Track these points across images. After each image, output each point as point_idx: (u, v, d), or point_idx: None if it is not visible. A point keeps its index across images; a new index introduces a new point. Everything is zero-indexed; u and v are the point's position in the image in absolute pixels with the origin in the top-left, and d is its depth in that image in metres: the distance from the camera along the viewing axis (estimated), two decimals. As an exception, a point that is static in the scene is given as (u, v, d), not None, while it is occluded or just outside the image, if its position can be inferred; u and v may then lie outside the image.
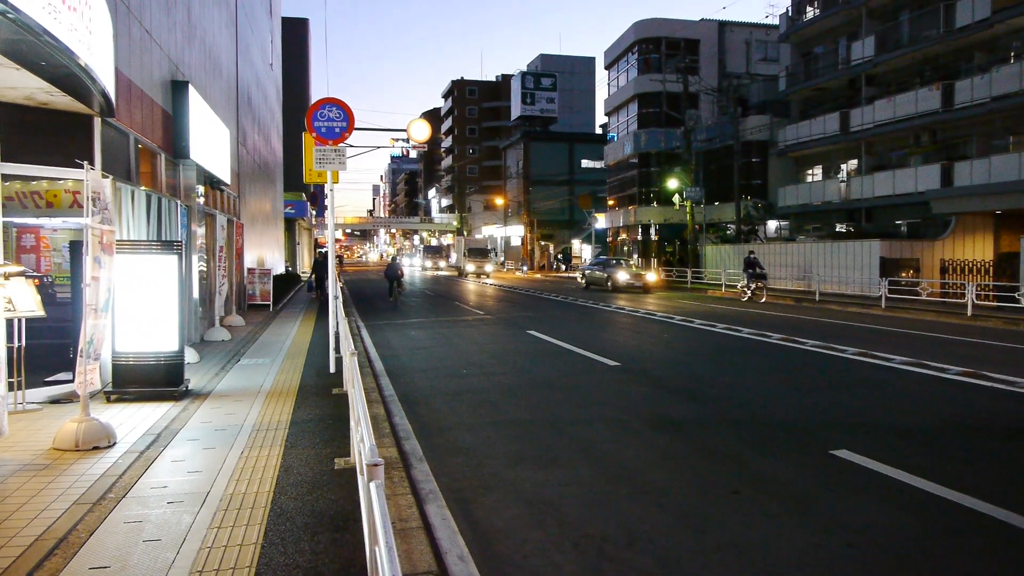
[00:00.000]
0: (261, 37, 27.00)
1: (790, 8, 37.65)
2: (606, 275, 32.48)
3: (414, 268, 70.78)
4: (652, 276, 33.32)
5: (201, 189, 13.76)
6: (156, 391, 8.07)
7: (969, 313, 19.36)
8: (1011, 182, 23.36)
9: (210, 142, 13.81)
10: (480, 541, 4.54)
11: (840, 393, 9.18)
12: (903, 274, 25.08)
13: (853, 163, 33.48)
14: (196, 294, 13.11)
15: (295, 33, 50.53)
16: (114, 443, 6.34)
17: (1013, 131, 25.91)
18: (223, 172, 15.33)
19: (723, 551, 4.39)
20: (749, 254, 26.98)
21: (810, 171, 37.18)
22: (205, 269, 14.51)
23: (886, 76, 31.26)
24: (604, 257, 41.52)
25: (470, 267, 52.14)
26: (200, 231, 13.98)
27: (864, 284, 25.88)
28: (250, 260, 22.02)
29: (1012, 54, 25.84)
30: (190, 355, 10.50)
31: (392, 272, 25.17)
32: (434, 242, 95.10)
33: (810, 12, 36.64)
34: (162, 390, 8.09)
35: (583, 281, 35.54)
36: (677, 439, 6.95)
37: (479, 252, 54.21)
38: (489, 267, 52.86)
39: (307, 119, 10.63)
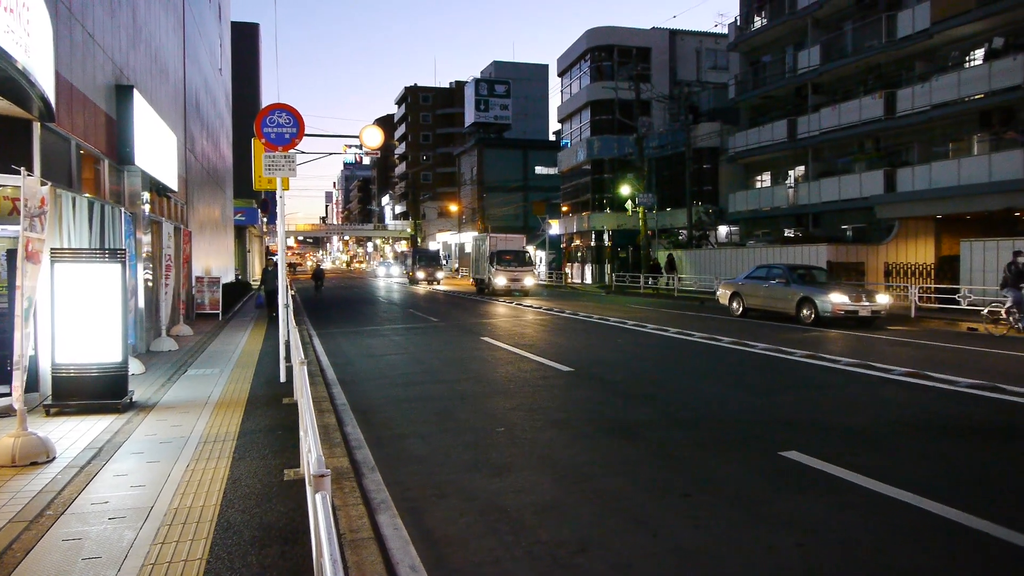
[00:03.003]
0: (210, 41, 26.56)
1: (739, 18, 38.34)
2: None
3: (392, 279, 63.57)
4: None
5: (147, 196, 13.45)
6: (99, 403, 7.84)
7: (912, 315, 19.91)
8: (950, 187, 24.08)
9: (156, 148, 13.52)
10: (433, 550, 4.49)
11: (789, 395, 9.33)
12: (850, 276, 25.67)
13: (801, 169, 34.18)
14: (141, 303, 12.80)
15: (245, 38, 49.82)
16: (53, 458, 6.14)
17: (952, 138, 26.72)
18: (170, 179, 15.02)
19: (675, 554, 4.41)
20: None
21: (759, 177, 37.85)
22: (151, 278, 14.18)
23: (831, 84, 32.00)
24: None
25: (420, 274, 50.24)
26: (146, 239, 13.66)
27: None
28: (199, 268, 21.61)
29: (950, 64, 26.66)
30: (135, 366, 10.25)
31: (318, 274, 38.92)
32: (433, 246, 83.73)
33: (758, 21, 37.35)
34: (105, 402, 7.86)
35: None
36: (630, 443, 6.97)
37: (429, 259, 52.25)
38: (440, 274, 51.18)
39: (256, 125, 10.47)
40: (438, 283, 49.55)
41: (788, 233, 33.71)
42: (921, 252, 26.60)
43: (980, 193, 22.90)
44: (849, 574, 4.17)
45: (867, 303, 17.68)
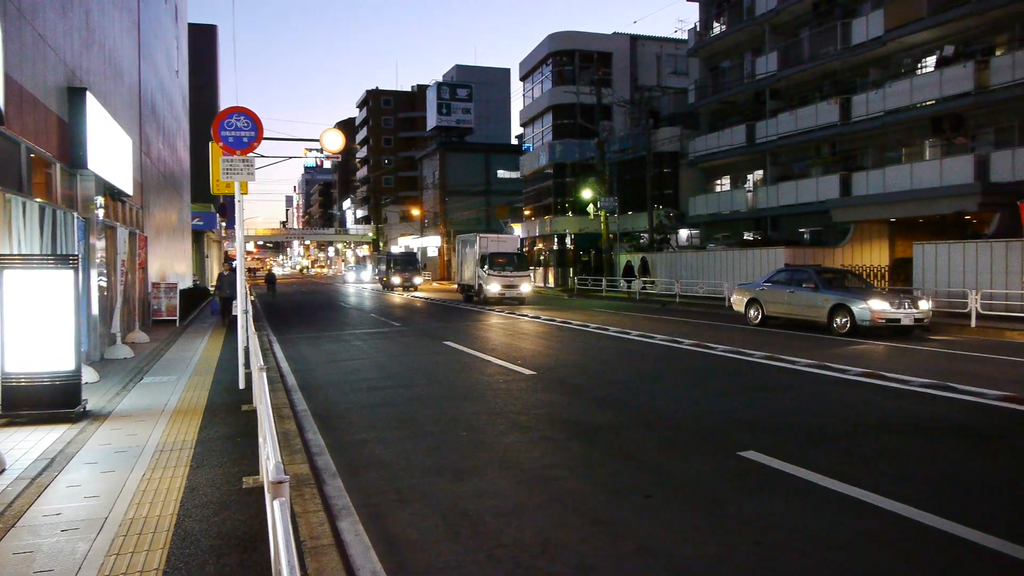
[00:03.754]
0: (166, 43, 26.14)
1: (698, 24, 38.83)
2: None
3: (363, 286, 58.03)
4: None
5: (101, 200, 13.17)
6: (51, 413, 7.65)
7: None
8: (904, 191, 24.64)
9: (111, 151, 13.25)
10: (394, 555, 4.46)
11: (748, 396, 9.45)
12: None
13: (759, 174, 34.70)
14: (95, 310, 12.53)
15: (202, 40, 49.07)
16: (3, 469, 5.97)
17: (905, 143, 27.35)
18: (125, 183, 14.73)
19: (636, 555, 4.43)
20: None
21: (719, 181, 38.34)
22: (105, 284, 13.89)
23: (789, 90, 32.55)
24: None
25: (396, 280, 46.65)
26: (100, 244, 13.38)
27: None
28: (155, 274, 21.23)
29: (903, 71, 27.29)
30: (88, 374, 10.02)
31: (270, 278, 41.24)
32: (398, 248, 77.02)
33: (717, 28, 37.86)
34: (58, 412, 7.67)
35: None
36: (592, 446, 7.00)
37: (405, 262, 48.68)
38: (418, 279, 47.66)
39: (213, 129, 10.31)
40: (415, 289, 46.53)
41: (747, 236, 34.17)
42: (876, 254, 27.15)
43: (932, 197, 23.46)
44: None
45: (910, 310, 15.82)
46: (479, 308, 27.87)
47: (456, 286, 35.80)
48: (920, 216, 24.80)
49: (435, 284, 60.09)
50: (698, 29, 38.58)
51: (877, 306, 15.67)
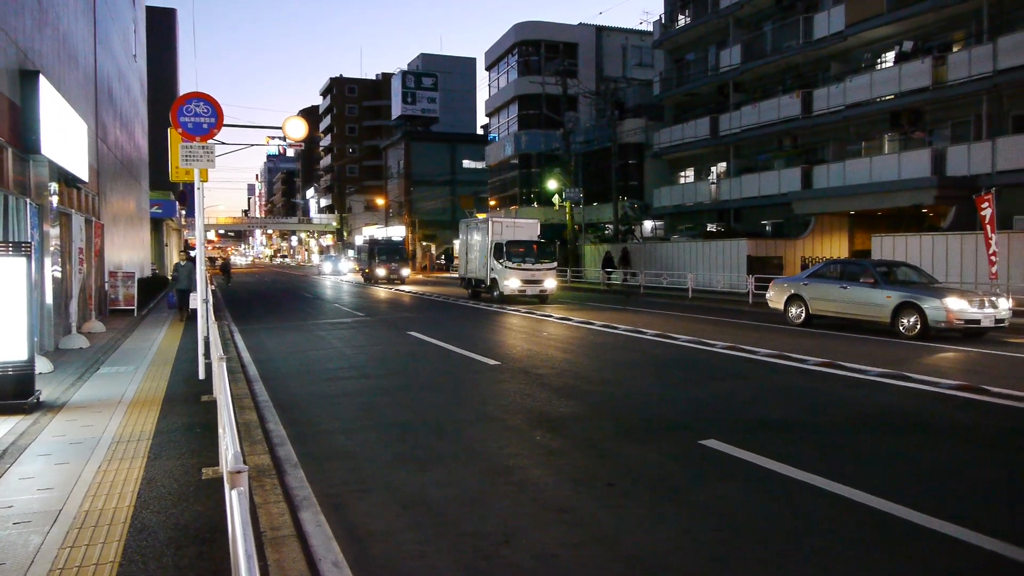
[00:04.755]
0: (123, 26, 25.54)
1: (663, 16, 39.01)
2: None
3: (341, 278, 51.20)
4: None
5: (55, 187, 12.86)
6: (2, 404, 7.45)
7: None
8: (863, 184, 25.05)
9: (65, 137, 12.93)
10: (356, 546, 4.42)
11: (710, 385, 9.55)
12: (768, 269, 26.58)
13: (723, 166, 35.03)
14: (49, 299, 12.24)
15: (161, 24, 47.98)
16: (-48, 462, 5.80)
17: (865, 137, 27.79)
18: (80, 169, 14.38)
19: (598, 543, 4.45)
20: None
21: (683, 173, 38.63)
22: (60, 272, 13.57)
23: (752, 83, 32.88)
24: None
25: (381, 272, 41.53)
26: (54, 232, 13.06)
27: (735, 282, 27.11)
28: (112, 262, 20.80)
29: (863, 65, 27.71)
30: (42, 364, 9.79)
31: (225, 267, 45.11)
32: (358, 240, 70.83)
33: (682, 20, 38.08)
34: (9, 403, 7.48)
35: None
36: (555, 435, 7.01)
37: (392, 252, 43.05)
38: (405, 272, 42.66)
39: (172, 114, 10.11)
40: (402, 283, 41.06)
41: (711, 228, 34.50)
42: (836, 246, 27.60)
43: (890, 190, 23.89)
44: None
45: (990, 310, 13.84)
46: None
47: (459, 280, 30.34)
48: (879, 209, 25.25)
49: (419, 276, 56.43)
50: (663, 21, 38.75)
51: (955, 305, 13.61)
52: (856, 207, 25.84)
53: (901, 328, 14.33)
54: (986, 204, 18.26)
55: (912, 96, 24.22)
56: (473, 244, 27.33)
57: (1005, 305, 14.31)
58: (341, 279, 49.60)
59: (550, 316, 19.38)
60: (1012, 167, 20.79)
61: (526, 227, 26.80)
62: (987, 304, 13.90)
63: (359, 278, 47.63)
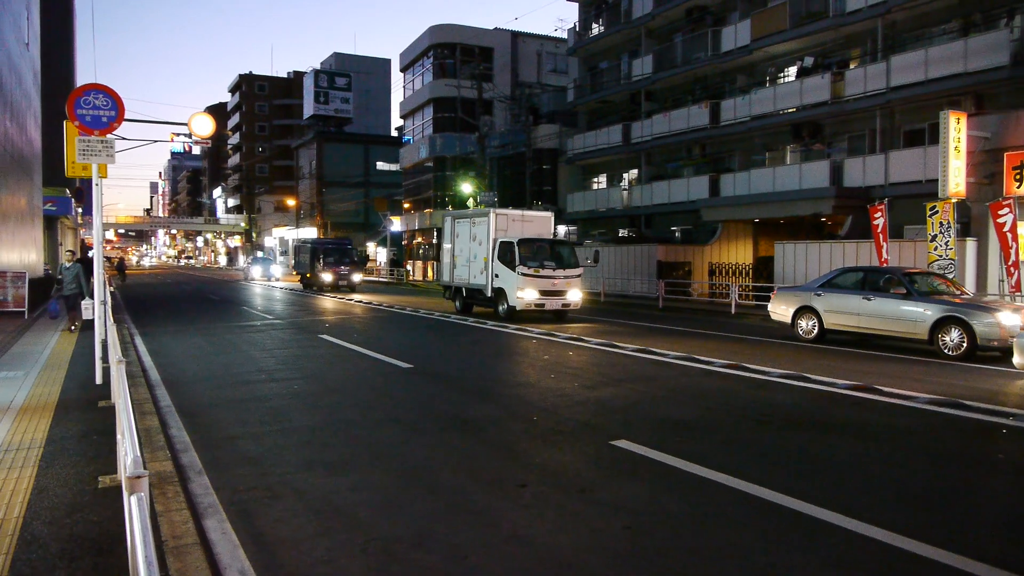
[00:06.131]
0: (14, 13, 24.17)
1: (578, 24, 39.50)
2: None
3: (274, 285, 42.66)
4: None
5: (-63, 178, 12.03)
6: None
7: (732, 311, 21.28)
8: (767, 193, 25.98)
9: (-51, 125, 12.12)
10: (264, 553, 4.27)
11: (621, 387, 9.69)
12: (677, 274, 27.33)
13: (635, 172, 35.71)
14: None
15: (57, 10, 45.67)
16: None
17: (769, 148, 28.83)
18: (-34, 160, 13.51)
19: (510, 543, 4.45)
20: None
21: (596, 179, 39.22)
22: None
23: (663, 92, 33.66)
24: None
25: (327, 277, 35.27)
26: (-64, 226, 12.21)
27: (646, 286, 27.67)
28: (1, 262, 19.63)
29: (768, 79, 28.75)
30: (-78, 368, 9.12)
31: (120, 267, 47.67)
32: (268, 242, 67.55)
33: (596, 29, 38.65)
34: None
35: None
36: (467, 438, 6.98)
37: (340, 253, 36.76)
38: (357, 277, 36.49)
39: (68, 106, 9.59)
40: (352, 290, 35.24)
41: (622, 233, 35.12)
42: (741, 253, 28.51)
43: (792, 199, 24.83)
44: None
45: None
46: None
47: (441, 289, 23.97)
48: (781, 217, 26.22)
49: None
50: (577, 29, 39.26)
51: (1008, 321, 11.74)
52: (761, 215, 26.76)
53: (942, 346, 12.47)
54: (879, 214, 19.19)
55: (813, 109, 25.26)
56: (463, 244, 21.32)
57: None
58: (273, 286, 41.28)
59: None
60: (903, 179, 21.90)
61: (537, 221, 20.86)
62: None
63: (297, 284, 40.61)
